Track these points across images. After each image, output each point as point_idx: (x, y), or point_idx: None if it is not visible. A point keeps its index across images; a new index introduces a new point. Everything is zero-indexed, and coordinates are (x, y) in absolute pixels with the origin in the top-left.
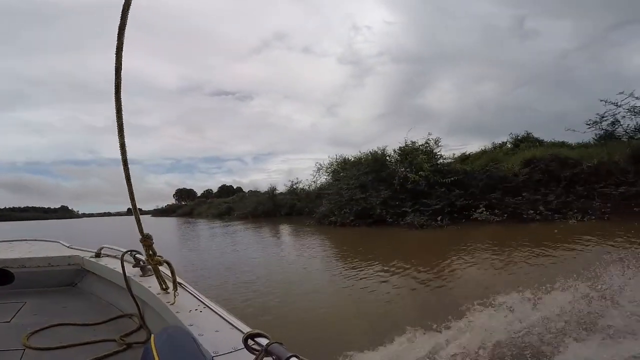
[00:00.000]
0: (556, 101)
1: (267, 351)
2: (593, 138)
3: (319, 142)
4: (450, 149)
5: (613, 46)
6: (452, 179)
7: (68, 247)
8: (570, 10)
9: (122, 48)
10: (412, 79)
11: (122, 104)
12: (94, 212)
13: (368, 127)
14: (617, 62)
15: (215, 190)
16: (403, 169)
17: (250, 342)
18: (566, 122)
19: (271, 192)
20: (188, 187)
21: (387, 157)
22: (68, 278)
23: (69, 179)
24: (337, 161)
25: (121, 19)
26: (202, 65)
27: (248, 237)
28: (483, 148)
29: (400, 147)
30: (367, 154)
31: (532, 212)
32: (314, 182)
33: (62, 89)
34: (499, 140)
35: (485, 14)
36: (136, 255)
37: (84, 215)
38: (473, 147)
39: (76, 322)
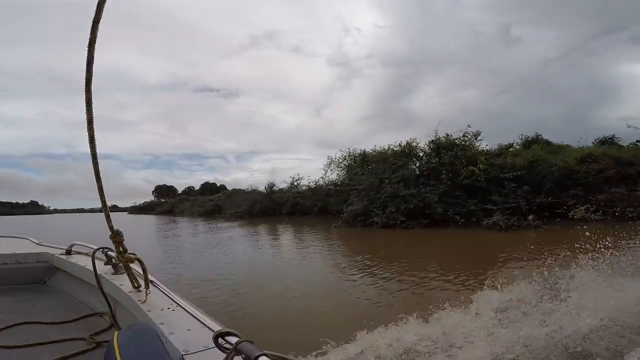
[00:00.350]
0: (536, 108)
1: (236, 349)
2: (592, 142)
3: (304, 142)
4: None
5: (592, 55)
6: (515, 174)
7: (37, 243)
8: (554, 20)
9: (95, 41)
10: (399, 83)
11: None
12: (67, 207)
13: (354, 128)
14: (595, 71)
15: (197, 187)
16: (439, 163)
17: (220, 340)
18: (544, 128)
19: (269, 189)
20: (167, 184)
21: (416, 151)
22: (37, 275)
23: (42, 173)
24: (351, 155)
25: (96, 13)
26: (187, 61)
27: (273, 252)
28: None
29: (432, 141)
30: (396, 147)
31: (631, 209)
32: (322, 177)
33: (41, 83)
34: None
35: (473, 20)
36: (108, 253)
37: (56, 211)
38: None
39: (44, 320)
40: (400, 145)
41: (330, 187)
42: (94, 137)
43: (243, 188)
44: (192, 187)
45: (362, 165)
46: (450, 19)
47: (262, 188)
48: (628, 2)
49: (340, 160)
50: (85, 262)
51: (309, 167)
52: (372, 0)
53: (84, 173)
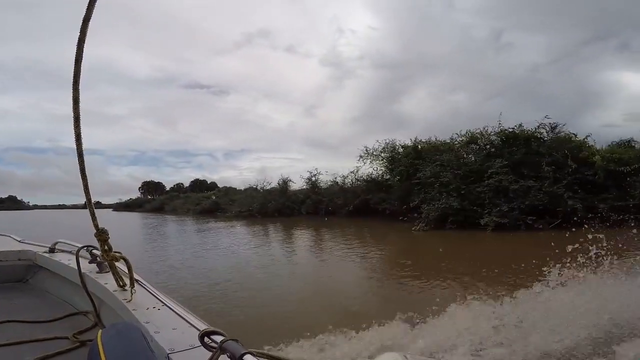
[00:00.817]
0: (524, 113)
1: (222, 348)
2: (608, 145)
3: (295, 142)
4: None
5: (582, 62)
6: (635, 166)
7: (19, 241)
8: (546, 26)
9: (84, 40)
10: (390, 85)
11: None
12: (47, 203)
13: (344, 129)
14: (584, 77)
15: (186, 184)
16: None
17: (206, 339)
18: None
19: (283, 186)
20: (154, 181)
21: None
22: (18, 274)
23: (23, 167)
24: (389, 146)
25: (86, 11)
26: (178, 57)
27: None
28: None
29: (501, 131)
30: (460, 137)
31: None
32: (353, 173)
33: (26, 76)
34: None
35: (466, 25)
36: (92, 251)
37: (36, 206)
38: None
39: (26, 319)
40: (467, 134)
41: (368, 181)
42: (80, 135)
43: (234, 186)
44: (182, 184)
45: (416, 157)
46: (444, 22)
47: (273, 185)
48: (620, 8)
49: (379, 152)
50: (69, 260)
51: (299, 166)
52: (368, 2)
53: (66, 168)
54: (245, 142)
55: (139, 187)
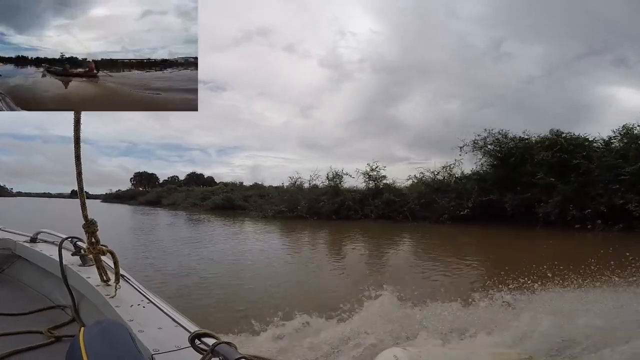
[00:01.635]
0: (514, 124)
1: (214, 351)
2: None
3: (288, 142)
4: (413, 161)
5: (575, 75)
6: None
7: None
8: (544, 37)
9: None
10: (387, 89)
11: None
12: (32, 191)
13: (338, 131)
14: (577, 90)
15: (179, 178)
16: None
17: (197, 342)
18: None
19: (335, 183)
20: (147, 172)
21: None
22: None
23: (8, 154)
24: (497, 137)
25: None
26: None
27: None
28: None
29: None
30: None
31: None
32: (445, 168)
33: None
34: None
35: (466, 33)
36: (77, 243)
37: (20, 194)
38: (435, 161)
39: None
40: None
41: (481, 180)
42: (79, 120)
43: (225, 182)
44: (177, 176)
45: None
46: (444, 30)
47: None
48: (617, 23)
49: (489, 144)
50: (52, 251)
51: (292, 167)
52: (370, 6)
53: (53, 156)
54: (239, 140)
55: (131, 178)
